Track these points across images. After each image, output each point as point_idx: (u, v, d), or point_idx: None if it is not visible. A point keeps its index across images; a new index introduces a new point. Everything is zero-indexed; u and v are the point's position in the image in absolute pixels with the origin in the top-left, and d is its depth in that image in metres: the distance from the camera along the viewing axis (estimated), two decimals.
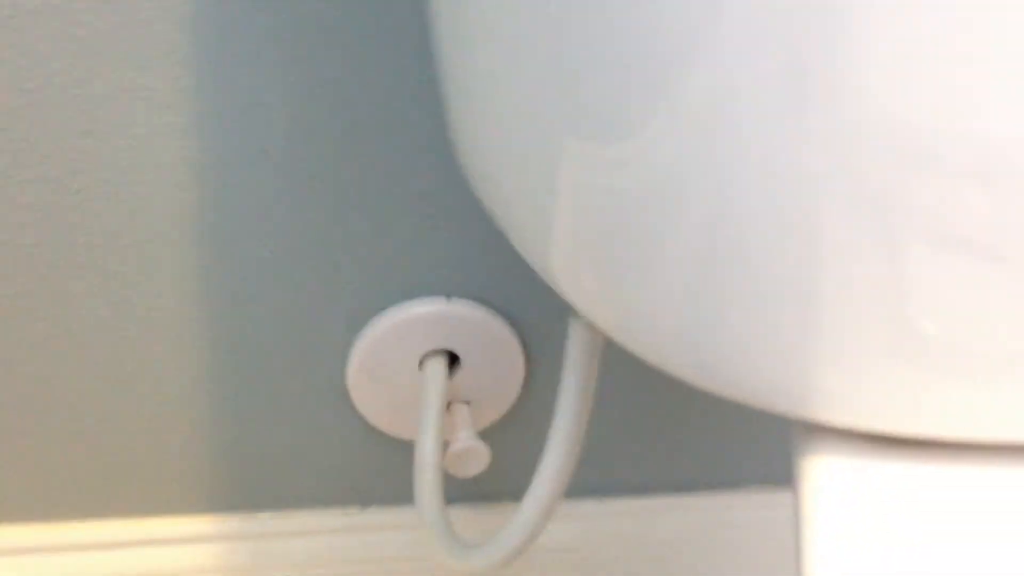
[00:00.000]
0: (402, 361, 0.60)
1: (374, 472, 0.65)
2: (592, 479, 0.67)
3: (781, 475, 0.68)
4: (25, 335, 0.58)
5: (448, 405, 0.61)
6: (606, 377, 0.63)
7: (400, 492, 0.66)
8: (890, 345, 0.30)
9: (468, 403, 0.62)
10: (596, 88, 0.29)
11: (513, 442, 0.64)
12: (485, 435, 0.62)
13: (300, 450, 0.64)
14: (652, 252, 0.31)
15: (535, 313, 0.60)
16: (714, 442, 0.67)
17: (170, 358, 0.60)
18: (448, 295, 0.59)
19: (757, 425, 0.67)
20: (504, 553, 0.50)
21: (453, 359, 0.61)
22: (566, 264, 0.35)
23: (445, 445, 0.59)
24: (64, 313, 0.57)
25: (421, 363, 0.60)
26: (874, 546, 0.30)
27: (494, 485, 0.66)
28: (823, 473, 0.32)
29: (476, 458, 0.59)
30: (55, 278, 0.56)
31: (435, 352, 0.60)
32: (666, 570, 0.71)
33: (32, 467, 0.62)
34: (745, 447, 0.68)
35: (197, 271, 0.57)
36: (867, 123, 0.26)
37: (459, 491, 0.66)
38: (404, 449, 0.64)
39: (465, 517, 0.66)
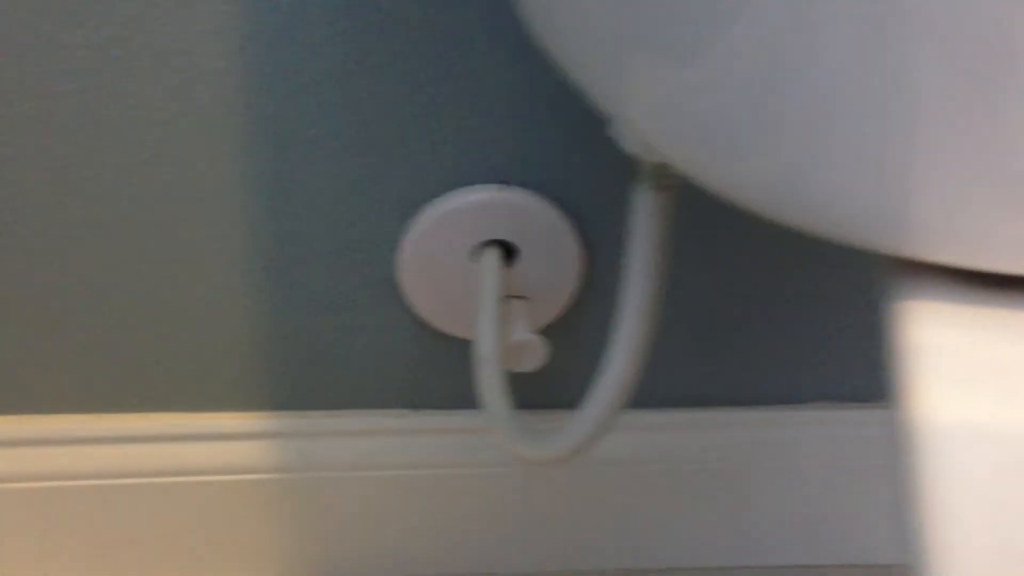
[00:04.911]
0: (455, 252, 0.58)
1: (426, 372, 0.63)
2: (649, 390, 0.65)
3: (843, 392, 0.66)
4: (78, 227, 0.57)
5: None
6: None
7: (453, 394, 0.64)
8: (991, 175, 0.27)
9: (524, 298, 0.59)
10: None
11: (571, 343, 0.62)
12: (542, 334, 0.59)
13: (349, 347, 0.62)
14: (759, 95, 0.29)
15: (596, 204, 0.58)
16: (775, 357, 0.65)
17: (218, 251, 0.58)
18: (504, 182, 0.56)
19: (819, 341, 0.64)
20: (580, 437, 0.47)
21: (508, 251, 0.58)
22: (655, 111, 0.32)
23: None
24: (115, 202, 0.56)
25: (475, 255, 0.58)
26: (981, 388, 0.27)
27: (551, 390, 0.64)
28: (920, 314, 0.29)
29: (533, 352, 0.56)
30: (107, 166, 0.55)
31: (489, 243, 0.58)
32: (723, 485, 0.69)
33: (88, 360, 0.62)
34: (807, 363, 0.65)
35: (245, 155, 0.55)
36: None
37: (514, 397, 0.64)
38: (457, 348, 0.62)
39: None
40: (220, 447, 0.65)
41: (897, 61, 0.26)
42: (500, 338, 0.54)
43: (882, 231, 0.30)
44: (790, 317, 0.63)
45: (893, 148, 0.28)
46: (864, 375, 0.65)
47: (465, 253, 0.58)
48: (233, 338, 0.62)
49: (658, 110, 0.32)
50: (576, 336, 0.62)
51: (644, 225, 0.42)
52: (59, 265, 0.58)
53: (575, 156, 0.56)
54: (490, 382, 0.52)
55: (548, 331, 0.61)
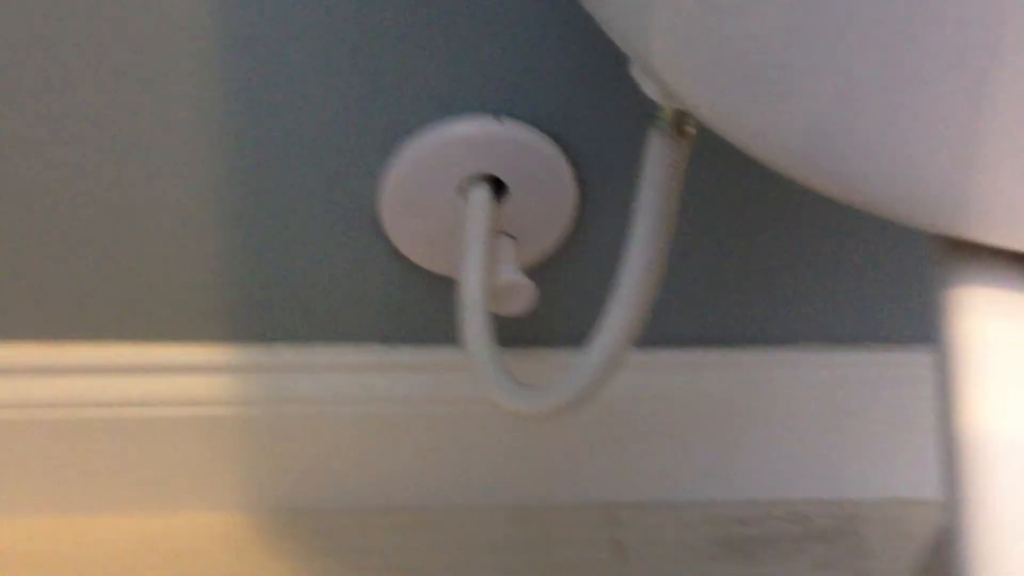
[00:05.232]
0: (441, 186, 0.55)
1: (403, 307, 0.61)
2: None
3: (838, 334, 0.65)
4: (45, 153, 0.53)
5: None
6: None
7: (429, 331, 0.62)
8: None
9: (512, 237, 0.56)
10: None
11: (558, 283, 0.60)
12: (528, 274, 0.57)
13: (323, 280, 0.60)
14: (800, 39, 0.25)
15: (593, 140, 0.55)
16: (770, 297, 0.63)
17: (188, 175, 0.55)
18: (496, 114, 0.53)
19: (815, 282, 0.62)
20: (567, 397, 0.44)
21: (497, 187, 0.55)
22: (682, 43, 0.29)
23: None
24: (83, 127, 0.53)
25: (462, 190, 0.55)
26: None
27: (535, 330, 0.61)
28: (976, 303, 0.27)
29: (521, 295, 0.54)
30: (75, 87, 0.51)
31: (478, 178, 0.55)
32: (714, 423, 0.68)
33: (47, 285, 0.59)
34: (803, 304, 0.63)
35: (221, 79, 0.51)
36: None
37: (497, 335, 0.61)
38: (437, 285, 0.59)
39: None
40: (183, 379, 0.62)
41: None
42: (487, 280, 0.51)
43: (937, 207, 0.27)
44: (786, 258, 0.61)
45: (965, 99, 0.25)
46: (860, 317, 0.64)
47: (452, 187, 0.55)
48: (199, 265, 0.59)
49: (686, 42, 0.29)
50: (564, 277, 0.59)
51: (656, 174, 0.39)
52: (13, 182, 0.55)
53: (574, 89, 0.53)
54: (475, 326, 0.50)
55: (535, 271, 0.58)
